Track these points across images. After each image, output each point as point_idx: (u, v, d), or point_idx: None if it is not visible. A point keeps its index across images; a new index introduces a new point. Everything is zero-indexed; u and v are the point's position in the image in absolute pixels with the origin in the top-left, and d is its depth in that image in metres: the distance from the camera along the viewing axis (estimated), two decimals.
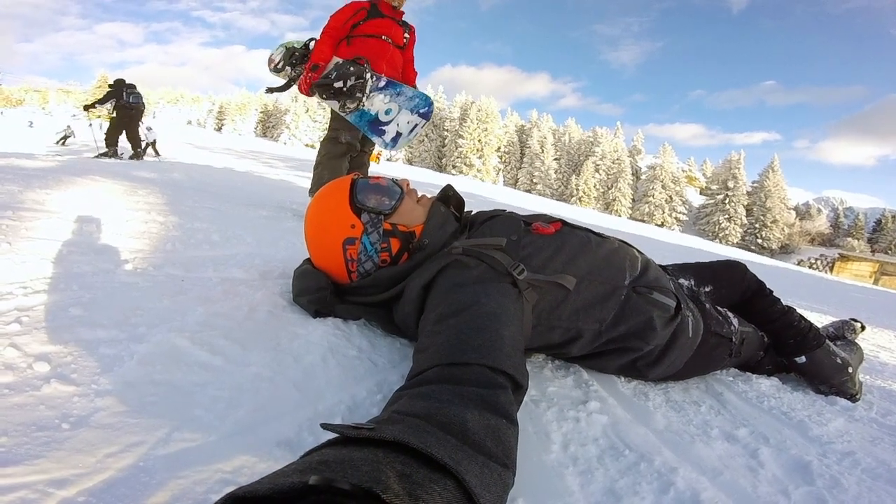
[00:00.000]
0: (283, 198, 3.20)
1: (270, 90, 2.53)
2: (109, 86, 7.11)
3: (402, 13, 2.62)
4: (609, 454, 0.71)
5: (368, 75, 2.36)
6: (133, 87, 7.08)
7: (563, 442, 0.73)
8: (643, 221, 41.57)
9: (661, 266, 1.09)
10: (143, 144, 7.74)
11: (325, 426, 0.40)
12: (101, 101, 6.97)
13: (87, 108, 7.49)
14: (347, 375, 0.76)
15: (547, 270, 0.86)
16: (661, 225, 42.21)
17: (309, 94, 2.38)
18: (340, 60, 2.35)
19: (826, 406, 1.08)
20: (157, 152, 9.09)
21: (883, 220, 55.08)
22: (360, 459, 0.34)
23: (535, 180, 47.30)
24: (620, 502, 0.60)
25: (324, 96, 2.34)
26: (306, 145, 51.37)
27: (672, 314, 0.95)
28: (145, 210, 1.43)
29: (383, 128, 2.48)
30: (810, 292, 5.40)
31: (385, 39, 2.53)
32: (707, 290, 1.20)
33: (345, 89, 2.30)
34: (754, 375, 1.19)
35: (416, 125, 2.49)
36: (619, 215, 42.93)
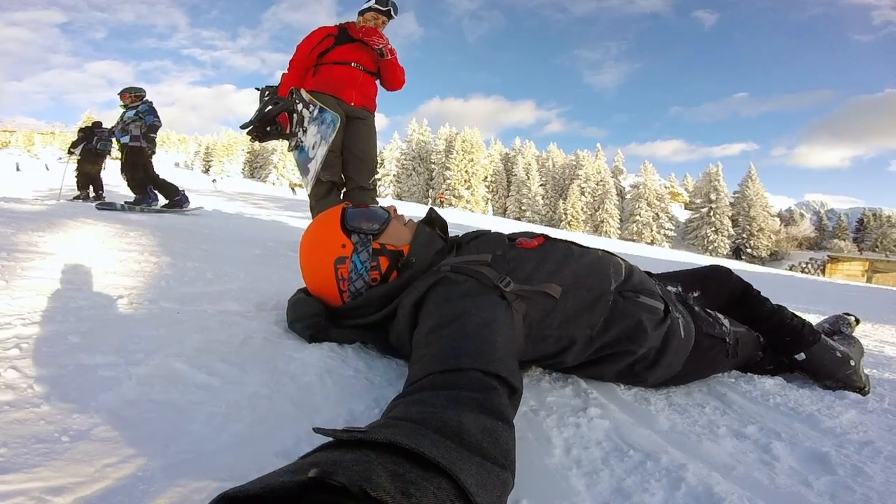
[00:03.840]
0: (275, 236, 3.23)
1: (244, 126, 2.27)
2: (85, 129, 7.12)
3: (376, 37, 2.43)
4: (613, 455, 0.70)
5: (300, 106, 2.20)
6: (105, 132, 6.95)
7: (565, 446, 0.71)
8: (633, 241, 42.07)
9: (647, 273, 1.11)
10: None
11: (318, 430, 0.40)
12: (74, 145, 6.95)
13: (69, 150, 7.30)
14: (344, 392, 0.77)
15: (533, 281, 0.88)
16: (651, 242, 42.70)
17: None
18: (267, 97, 2.18)
19: (835, 400, 1.06)
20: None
21: (865, 220, 56.58)
22: (351, 461, 0.34)
23: (523, 207, 47.98)
24: (630, 500, 0.59)
25: (256, 140, 2.18)
26: (295, 185, 51.83)
27: (661, 316, 0.97)
28: (138, 251, 1.44)
29: (309, 165, 2.30)
30: (807, 295, 5.42)
31: (355, 66, 2.40)
32: (695, 295, 1.21)
33: (269, 129, 2.14)
34: (756, 376, 1.19)
35: (323, 155, 2.25)
36: (609, 236, 43.44)
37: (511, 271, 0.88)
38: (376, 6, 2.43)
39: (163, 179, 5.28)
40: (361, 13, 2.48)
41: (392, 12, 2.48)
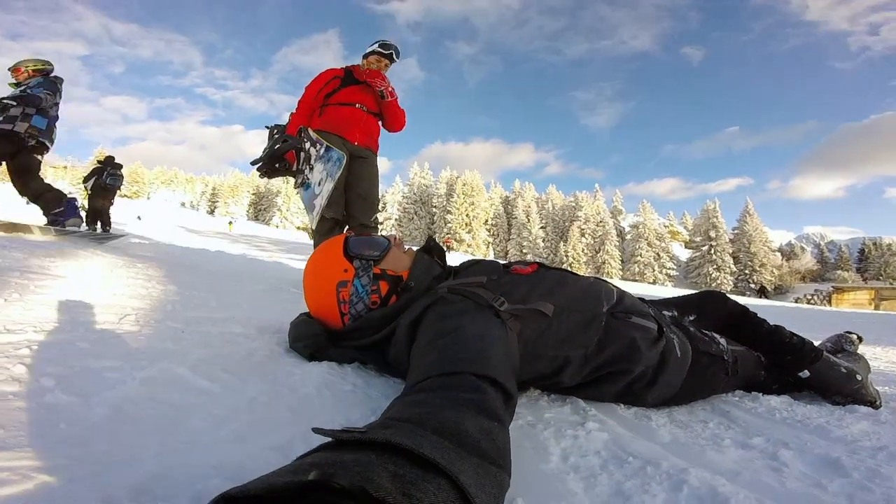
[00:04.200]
0: (277, 275, 3.26)
1: (254, 162, 2.31)
2: (99, 162, 7.24)
3: (378, 79, 2.53)
4: (612, 462, 0.68)
5: (308, 144, 2.26)
6: (118, 166, 7.14)
7: (563, 455, 0.70)
8: (635, 281, 41.90)
9: (640, 299, 1.14)
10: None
11: (317, 430, 0.40)
12: (87, 178, 7.05)
13: (83, 183, 7.32)
14: (342, 403, 0.77)
15: (527, 303, 0.91)
16: (654, 282, 42.51)
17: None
18: (276, 135, 2.25)
19: (846, 414, 1.03)
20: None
21: (866, 250, 56.54)
22: (351, 461, 0.34)
23: (524, 250, 48.10)
24: (630, 501, 0.58)
25: (265, 175, 2.24)
26: (298, 227, 52.25)
27: (655, 336, 0.98)
28: (144, 279, 1.48)
29: (315, 202, 2.33)
30: (818, 324, 5.34)
31: (359, 107, 2.51)
32: (691, 318, 1.23)
33: (278, 166, 2.19)
34: (762, 394, 1.17)
35: (329, 191, 2.27)
36: (612, 277, 43.25)
37: (506, 294, 0.90)
38: (379, 49, 2.60)
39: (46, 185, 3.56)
40: (365, 56, 2.64)
41: (394, 55, 2.65)
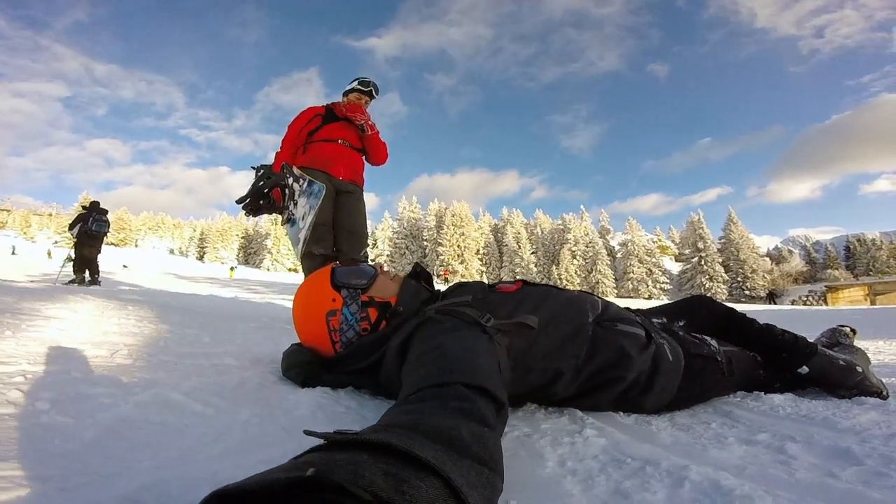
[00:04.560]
0: (269, 314, 3.22)
1: (239, 201, 2.26)
2: (83, 208, 7.11)
3: (358, 113, 2.59)
4: (611, 465, 0.67)
5: (291, 180, 2.28)
6: (104, 212, 7.02)
7: (560, 460, 0.69)
8: (630, 297, 41.95)
9: (627, 308, 1.16)
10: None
11: (309, 432, 0.41)
12: (72, 226, 6.91)
13: (69, 230, 7.17)
14: (335, 424, 0.77)
15: (512, 319, 0.92)
16: (649, 297, 42.56)
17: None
18: (260, 174, 2.25)
19: (853, 406, 1.01)
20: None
21: (851, 247, 57.28)
22: (344, 460, 0.34)
23: (517, 276, 48.22)
24: (630, 499, 0.56)
25: (250, 214, 2.25)
26: (289, 269, 51.80)
27: (644, 342, 1.00)
28: (136, 319, 1.47)
29: (300, 235, 2.33)
30: (819, 323, 5.36)
31: (342, 143, 2.56)
32: (680, 324, 1.24)
33: (262, 203, 2.20)
34: (764, 393, 1.15)
35: (311, 223, 2.28)
36: (607, 296, 43.27)
37: (492, 311, 0.92)
38: (359, 87, 2.71)
39: None
40: (346, 94, 2.75)
41: (374, 92, 2.76)
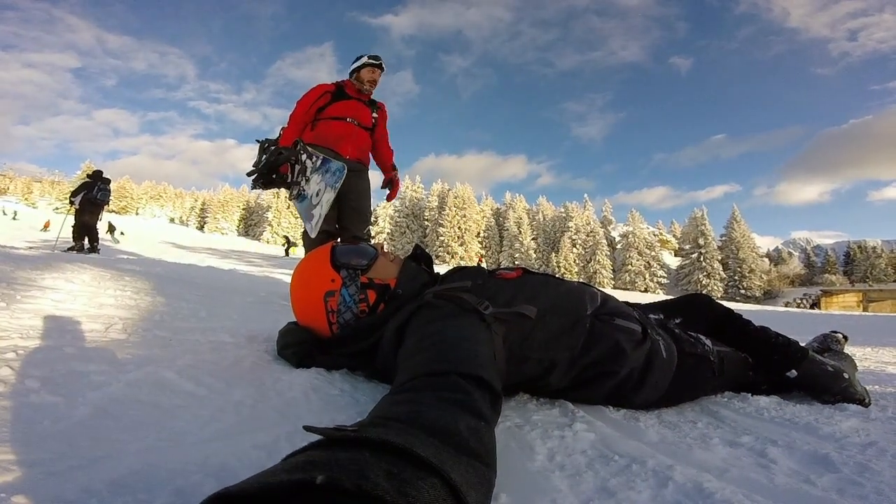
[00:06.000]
0: (268, 289, 3.23)
1: (250, 174, 2.32)
2: (88, 176, 7.11)
3: (370, 94, 2.59)
4: (598, 461, 0.69)
5: (304, 156, 2.26)
6: (107, 181, 7.02)
7: (549, 454, 0.70)
8: (627, 289, 42.15)
9: (626, 303, 1.15)
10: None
11: (309, 428, 0.40)
12: (75, 193, 6.89)
13: (70, 199, 7.16)
14: (329, 406, 0.78)
15: (511, 307, 0.91)
16: (645, 290, 42.79)
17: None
18: (272, 147, 2.26)
19: (835, 412, 1.04)
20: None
21: (851, 253, 57.43)
22: (346, 459, 0.34)
23: (516, 262, 48.13)
24: (615, 497, 0.58)
25: (261, 187, 2.24)
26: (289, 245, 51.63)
27: (640, 338, 0.99)
28: (133, 291, 1.47)
29: (313, 211, 2.30)
30: (808, 327, 5.42)
31: (350, 121, 2.54)
32: (677, 321, 1.24)
33: (275, 177, 2.20)
34: (751, 395, 1.17)
35: (329, 201, 2.24)
36: (604, 286, 43.39)
37: (490, 298, 0.91)
38: (371, 61, 2.63)
39: None
40: (357, 70, 2.66)
41: (383, 65, 2.70)
